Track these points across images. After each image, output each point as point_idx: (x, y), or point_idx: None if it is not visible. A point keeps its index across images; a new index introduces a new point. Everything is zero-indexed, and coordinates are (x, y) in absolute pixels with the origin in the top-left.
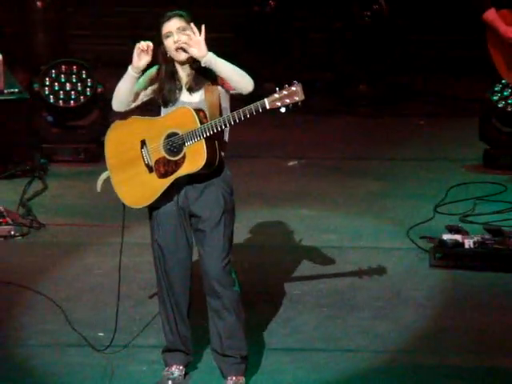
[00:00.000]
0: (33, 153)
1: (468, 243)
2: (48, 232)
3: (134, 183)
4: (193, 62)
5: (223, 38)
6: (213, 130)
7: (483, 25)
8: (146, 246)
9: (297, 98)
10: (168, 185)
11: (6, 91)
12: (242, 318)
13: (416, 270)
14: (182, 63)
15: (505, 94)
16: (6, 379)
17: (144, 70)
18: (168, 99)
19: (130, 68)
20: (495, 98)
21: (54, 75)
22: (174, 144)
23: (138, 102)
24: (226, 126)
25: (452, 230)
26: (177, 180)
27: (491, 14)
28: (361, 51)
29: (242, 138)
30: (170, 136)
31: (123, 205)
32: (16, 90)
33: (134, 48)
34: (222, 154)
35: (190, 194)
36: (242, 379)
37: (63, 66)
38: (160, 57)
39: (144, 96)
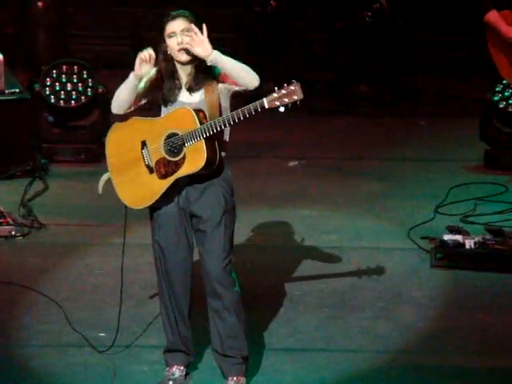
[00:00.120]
0: (33, 153)
1: (469, 244)
2: (49, 232)
3: (134, 184)
4: (195, 63)
5: (224, 39)
6: (212, 131)
7: (483, 25)
8: (146, 247)
9: (295, 98)
10: (168, 185)
11: (6, 91)
12: (242, 318)
13: (417, 270)
14: (183, 63)
15: (506, 94)
16: (7, 379)
17: None
18: (168, 98)
19: (131, 75)
20: (496, 98)
21: (54, 75)
22: (174, 145)
23: (138, 105)
24: (225, 126)
25: (453, 230)
26: (177, 180)
27: (493, 15)
28: (361, 51)
29: (242, 138)
30: (170, 137)
31: (125, 206)
32: (17, 90)
33: (135, 57)
34: (223, 154)
35: (191, 194)
36: (242, 379)
37: (64, 67)
38: (160, 55)
39: (143, 99)
